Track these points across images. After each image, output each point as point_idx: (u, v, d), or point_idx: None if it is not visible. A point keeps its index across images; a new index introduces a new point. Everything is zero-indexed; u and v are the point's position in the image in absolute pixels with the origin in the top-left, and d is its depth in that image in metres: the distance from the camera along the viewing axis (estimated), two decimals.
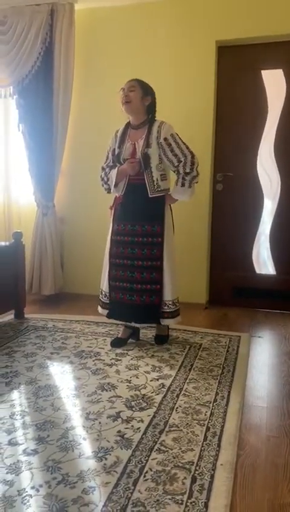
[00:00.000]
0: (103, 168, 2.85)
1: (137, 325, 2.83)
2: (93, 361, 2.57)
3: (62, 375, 2.39)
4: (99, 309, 2.89)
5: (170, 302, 2.73)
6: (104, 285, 2.83)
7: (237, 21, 3.42)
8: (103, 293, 2.85)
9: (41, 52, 3.70)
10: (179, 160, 2.62)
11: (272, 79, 3.53)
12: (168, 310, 2.73)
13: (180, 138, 2.65)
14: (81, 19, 3.74)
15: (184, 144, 2.65)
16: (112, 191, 2.77)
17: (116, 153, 2.73)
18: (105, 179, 2.82)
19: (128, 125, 2.75)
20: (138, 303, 2.70)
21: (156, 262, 2.69)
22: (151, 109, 2.70)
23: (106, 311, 2.83)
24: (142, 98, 2.64)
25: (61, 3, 3.62)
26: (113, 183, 2.70)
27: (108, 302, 2.81)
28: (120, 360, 2.60)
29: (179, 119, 3.35)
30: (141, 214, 2.68)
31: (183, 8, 3.55)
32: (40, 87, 3.74)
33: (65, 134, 3.81)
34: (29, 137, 3.82)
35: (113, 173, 2.71)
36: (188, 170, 2.62)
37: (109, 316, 2.82)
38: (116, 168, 2.70)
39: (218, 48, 3.57)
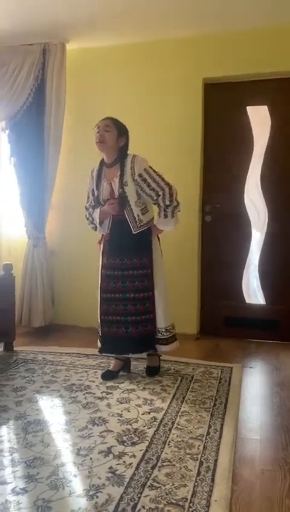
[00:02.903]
0: (86, 208, 2.87)
1: (134, 356, 2.81)
2: (84, 394, 2.54)
3: (52, 410, 2.35)
4: (99, 343, 2.85)
5: (163, 329, 2.74)
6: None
7: (224, 60, 3.55)
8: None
9: (33, 89, 3.80)
10: (158, 194, 2.63)
11: (257, 115, 3.65)
12: (161, 337, 2.74)
13: (154, 171, 2.65)
14: (73, 58, 3.86)
15: (159, 176, 2.65)
16: (98, 229, 2.79)
17: (95, 195, 2.75)
18: (90, 218, 2.83)
19: (102, 163, 2.75)
20: (133, 334, 2.69)
21: (148, 293, 2.70)
22: (124, 148, 2.70)
23: None
24: (117, 138, 2.65)
25: (53, 43, 3.75)
26: (97, 223, 2.73)
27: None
28: (111, 393, 2.56)
29: (168, 154, 3.45)
30: (128, 248, 2.68)
31: (171, 48, 3.68)
32: (32, 122, 3.82)
33: (56, 168, 3.86)
34: (21, 170, 3.87)
35: (96, 214, 2.73)
36: (167, 202, 2.65)
37: (100, 351, 2.81)
38: (98, 209, 2.72)
39: (205, 85, 3.70)
